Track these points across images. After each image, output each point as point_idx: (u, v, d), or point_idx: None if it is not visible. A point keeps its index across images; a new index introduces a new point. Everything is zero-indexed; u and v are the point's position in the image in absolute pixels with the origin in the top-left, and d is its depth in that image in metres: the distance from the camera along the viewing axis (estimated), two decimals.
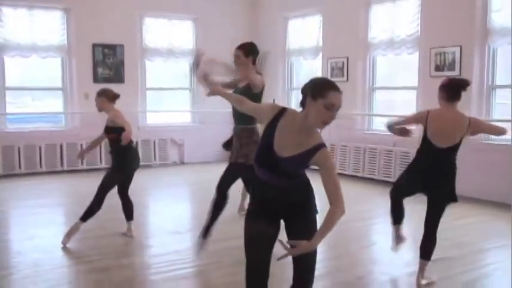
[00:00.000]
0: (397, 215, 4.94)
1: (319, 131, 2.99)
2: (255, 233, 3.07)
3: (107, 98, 5.87)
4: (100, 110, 5.95)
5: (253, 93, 5.19)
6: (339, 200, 2.84)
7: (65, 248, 5.60)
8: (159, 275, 4.88)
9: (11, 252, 5.61)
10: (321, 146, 2.92)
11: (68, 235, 5.67)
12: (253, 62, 5.38)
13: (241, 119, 5.23)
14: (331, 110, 2.86)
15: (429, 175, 4.49)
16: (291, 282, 3.12)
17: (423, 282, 4.54)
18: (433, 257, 4.69)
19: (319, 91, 2.85)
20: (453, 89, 4.50)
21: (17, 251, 5.60)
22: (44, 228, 6.41)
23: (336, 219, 2.83)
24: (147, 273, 5.01)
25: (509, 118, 7.97)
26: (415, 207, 5.19)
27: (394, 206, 4.92)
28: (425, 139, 4.56)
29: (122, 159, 5.93)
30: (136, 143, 11.29)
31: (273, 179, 3.03)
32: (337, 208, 2.84)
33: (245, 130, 5.33)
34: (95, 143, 6.41)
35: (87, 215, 5.74)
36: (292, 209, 3.07)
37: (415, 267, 4.71)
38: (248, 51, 5.36)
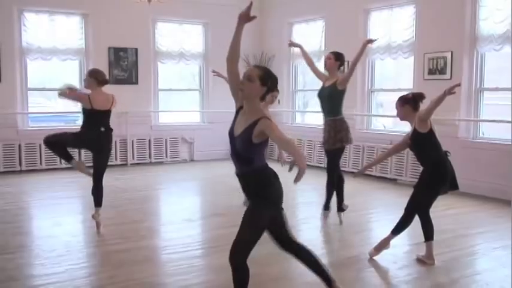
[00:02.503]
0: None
1: (266, 110, 3.70)
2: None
3: (96, 80, 6.20)
4: (87, 88, 6.32)
5: (338, 90, 6.60)
6: (284, 139, 3.42)
7: (89, 233, 6.29)
8: (175, 254, 5.55)
9: (44, 236, 6.30)
10: (262, 117, 3.51)
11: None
12: (339, 67, 6.80)
13: (332, 111, 6.62)
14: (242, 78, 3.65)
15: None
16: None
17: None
18: (418, 241, 5.52)
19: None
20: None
21: (49, 235, 6.29)
22: (68, 216, 7.10)
23: (288, 146, 3.40)
24: (164, 253, 5.69)
25: (497, 118, 8.66)
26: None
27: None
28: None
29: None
30: (149, 141, 12.01)
31: (236, 164, 3.72)
32: (285, 143, 3.43)
33: (336, 120, 6.63)
34: None
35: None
36: (250, 196, 3.71)
37: (400, 248, 5.43)
38: (337, 57, 6.76)
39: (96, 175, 6.34)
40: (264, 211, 3.63)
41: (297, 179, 3.17)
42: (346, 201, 6.92)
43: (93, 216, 6.36)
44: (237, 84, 3.72)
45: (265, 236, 3.74)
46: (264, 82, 3.59)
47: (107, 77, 6.50)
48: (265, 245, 3.70)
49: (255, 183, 3.65)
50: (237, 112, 3.76)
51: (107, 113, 6.31)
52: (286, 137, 3.42)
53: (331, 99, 6.64)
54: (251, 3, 3.67)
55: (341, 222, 6.81)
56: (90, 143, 6.33)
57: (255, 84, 3.58)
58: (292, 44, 7.79)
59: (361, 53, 6.57)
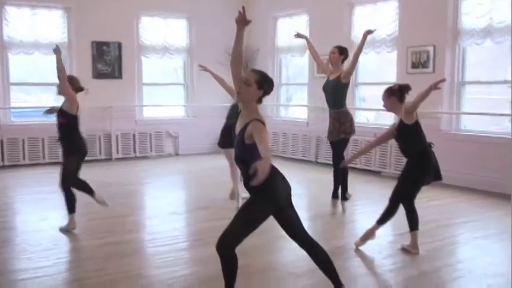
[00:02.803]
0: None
1: (260, 112, 3.68)
2: None
3: (72, 87, 6.01)
4: (61, 94, 6.06)
5: (342, 83, 6.91)
6: (263, 143, 3.38)
7: (76, 227, 6.27)
8: (162, 247, 5.58)
9: (30, 230, 6.27)
10: (253, 120, 3.58)
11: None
12: (343, 61, 7.11)
13: (337, 104, 6.91)
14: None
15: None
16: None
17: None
18: (402, 231, 5.67)
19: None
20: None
21: (35, 229, 6.28)
22: (54, 211, 7.03)
23: (263, 151, 3.32)
24: (152, 246, 5.72)
25: (479, 111, 8.82)
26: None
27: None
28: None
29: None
30: (134, 135, 12.00)
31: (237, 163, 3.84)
32: (263, 147, 3.35)
33: (340, 112, 6.94)
34: None
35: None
36: (250, 191, 3.72)
37: (385, 238, 5.57)
38: (340, 51, 7.08)
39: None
40: (260, 207, 3.68)
41: (254, 182, 3.16)
42: (331, 193, 7.05)
43: (97, 201, 6.35)
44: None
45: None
46: (261, 86, 3.69)
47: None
48: (252, 238, 3.73)
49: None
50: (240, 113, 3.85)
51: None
52: (267, 144, 3.41)
53: (336, 92, 6.85)
54: (244, 8, 3.74)
55: (344, 211, 7.08)
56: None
57: (252, 88, 3.67)
58: (298, 36, 7.90)
59: (363, 45, 6.89)
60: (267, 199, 3.67)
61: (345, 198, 7.16)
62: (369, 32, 6.95)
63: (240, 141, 3.66)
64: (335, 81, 7.01)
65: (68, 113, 6.04)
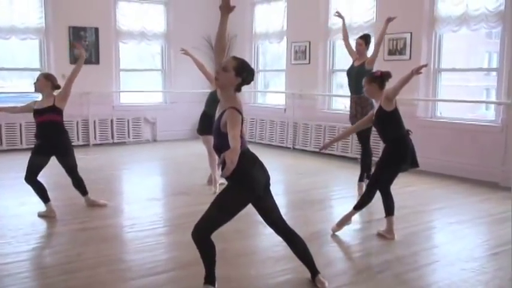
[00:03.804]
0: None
1: (238, 99, 3.68)
2: None
3: (52, 84, 6.11)
4: (39, 91, 6.15)
5: (366, 69, 7.15)
6: (232, 132, 3.38)
7: (56, 212, 6.28)
8: (141, 232, 5.61)
9: (9, 215, 6.25)
10: (229, 107, 3.58)
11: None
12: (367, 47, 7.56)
13: (358, 90, 7.00)
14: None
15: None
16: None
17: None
18: (379, 217, 5.74)
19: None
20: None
21: (14, 214, 6.27)
22: (32, 196, 6.89)
23: (231, 141, 3.32)
24: (131, 231, 5.73)
25: (454, 98, 8.95)
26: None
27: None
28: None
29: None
30: (111, 121, 11.97)
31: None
32: (232, 136, 3.36)
33: (361, 97, 7.17)
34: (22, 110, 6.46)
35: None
36: (227, 179, 3.56)
37: (362, 224, 5.71)
38: (366, 41, 7.54)
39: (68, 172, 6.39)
40: (236, 196, 3.70)
41: (224, 174, 3.18)
42: (308, 179, 7.11)
43: (88, 204, 6.52)
44: None
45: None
46: (239, 73, 3.66)
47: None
48: (231, 222, 3.78)
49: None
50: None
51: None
52: (237, 133, 3.39)
53: (359, 77, 7.00)
54: None
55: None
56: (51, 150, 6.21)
57: (230, 74, 3.65)
58: (339, 15, 8.17)
59: (384, 32, 7.33)
60: (244, 188, 3.69)
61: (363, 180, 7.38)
62: (390, 19, 7.28)
63: (216, 129, 3.68)
64: (359, 67, 7.39)
65: (61, 109, 6.14)
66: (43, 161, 6.15)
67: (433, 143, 8.76)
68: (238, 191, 3.70)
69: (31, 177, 6.14)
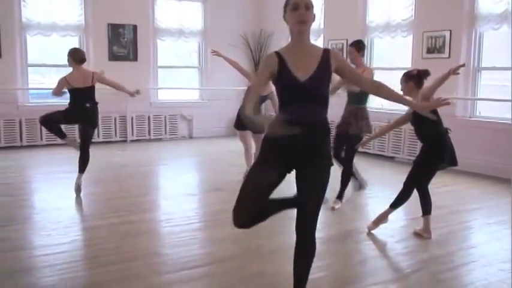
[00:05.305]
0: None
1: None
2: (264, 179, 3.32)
3: (72, 59, 6.76)
4: (69, 65, 6.84)
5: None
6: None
7: (93, 206, 6.41)
8: (177, 227, 5.68)
9: (49, 209, 6.38)
10: (326, 49, 3.34)
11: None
12: (362, 54, 6.69)
13: (356, 100, 6.53)
14: (298, 9, 3.20)
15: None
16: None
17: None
18: (415, 216, 5.73)
19: (285, 3, 3.30)
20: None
21: (54, 207, 6.40)
22: (71, 190, 7.05)
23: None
24: (167, 225, 5.81)
25: (495, 98, 8.79)
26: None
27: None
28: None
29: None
30: (149, 118, 12.12)
31: (310, 109, 3.24)
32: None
33: (359, 109, 6.58)
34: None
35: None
36: (310, 155, 3.24)
37: (398, 222, 5.66)
38: (357, 48, 6.59)
39: (82, 145, 6.85)
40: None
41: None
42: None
43: (76, 183, 6.80)
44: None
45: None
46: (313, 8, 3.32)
47: (85, 56, 6.93)
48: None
49: (320, 134, 3.33)
50: (282, 60, 3.26)
51: (88, 89, 6.76)
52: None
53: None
54: None
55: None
56: (76, 118, 6.86)
57: (312, 12, 3.29)
58: None
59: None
60: (329, 162, 3.36)
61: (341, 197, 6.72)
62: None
63: (324, 74, 3.29)
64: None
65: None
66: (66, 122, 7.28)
67: (472, 142, 8.62)
68: (329, 167, 3.35)
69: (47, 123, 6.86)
